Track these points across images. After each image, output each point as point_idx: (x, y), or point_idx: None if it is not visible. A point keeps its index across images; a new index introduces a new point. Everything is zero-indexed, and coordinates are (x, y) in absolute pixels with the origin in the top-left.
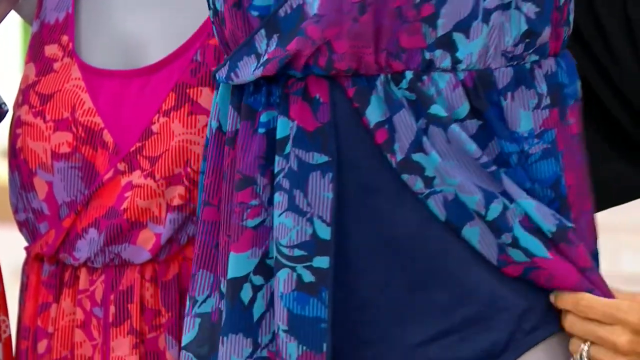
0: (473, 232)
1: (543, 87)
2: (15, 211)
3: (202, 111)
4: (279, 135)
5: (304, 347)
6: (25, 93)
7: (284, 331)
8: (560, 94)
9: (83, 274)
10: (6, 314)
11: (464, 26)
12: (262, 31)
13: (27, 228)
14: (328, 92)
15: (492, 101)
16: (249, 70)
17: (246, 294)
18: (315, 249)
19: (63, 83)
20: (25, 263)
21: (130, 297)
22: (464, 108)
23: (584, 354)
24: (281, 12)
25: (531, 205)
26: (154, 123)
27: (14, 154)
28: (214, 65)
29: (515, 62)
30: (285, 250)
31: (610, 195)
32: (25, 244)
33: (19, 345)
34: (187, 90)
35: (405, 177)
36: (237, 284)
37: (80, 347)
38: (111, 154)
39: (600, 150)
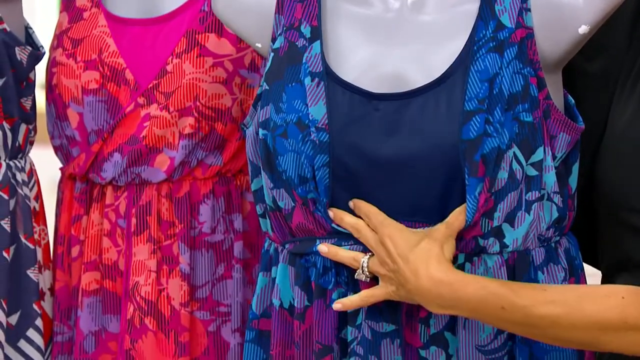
0: None
1: (565, 262)
2: (52, 137)
3: (209, 54)
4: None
5: None
6: (59, 38)
7: None
8: (574, 266)
9: (109, 191)
10: (45, 223)
11: (511, 216)
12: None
13: (62, 151)
14: None
15: (529, 278)
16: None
17: None
18: None
19: (91, 29)
20: (60, 181)
21: (148, 210)
22: None
23: (364, 264)
24: None
25: None
26: (168, 64)
27: (50, 89)
28: None
29: (545, 243)
30: None
31: None
32: (60, 164)
33: (55, 250)
34: (196, 36)
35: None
36: None
37: (107, 252)
38: (132, 89)
39: None
